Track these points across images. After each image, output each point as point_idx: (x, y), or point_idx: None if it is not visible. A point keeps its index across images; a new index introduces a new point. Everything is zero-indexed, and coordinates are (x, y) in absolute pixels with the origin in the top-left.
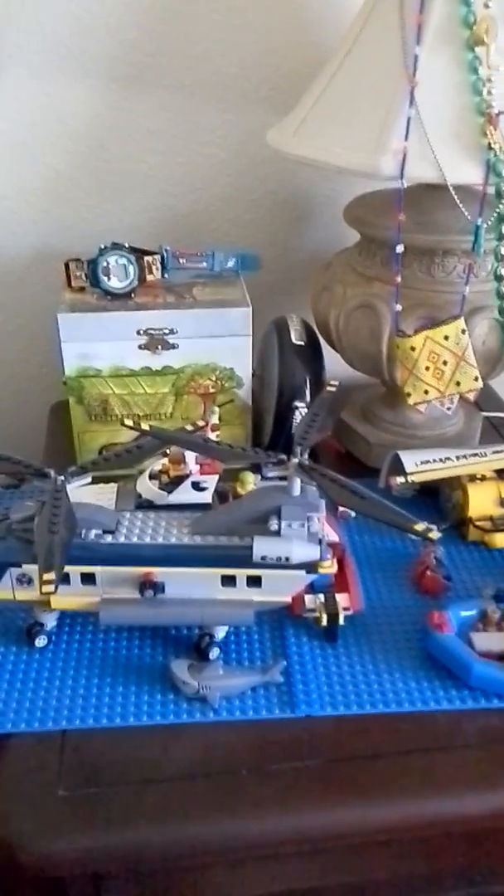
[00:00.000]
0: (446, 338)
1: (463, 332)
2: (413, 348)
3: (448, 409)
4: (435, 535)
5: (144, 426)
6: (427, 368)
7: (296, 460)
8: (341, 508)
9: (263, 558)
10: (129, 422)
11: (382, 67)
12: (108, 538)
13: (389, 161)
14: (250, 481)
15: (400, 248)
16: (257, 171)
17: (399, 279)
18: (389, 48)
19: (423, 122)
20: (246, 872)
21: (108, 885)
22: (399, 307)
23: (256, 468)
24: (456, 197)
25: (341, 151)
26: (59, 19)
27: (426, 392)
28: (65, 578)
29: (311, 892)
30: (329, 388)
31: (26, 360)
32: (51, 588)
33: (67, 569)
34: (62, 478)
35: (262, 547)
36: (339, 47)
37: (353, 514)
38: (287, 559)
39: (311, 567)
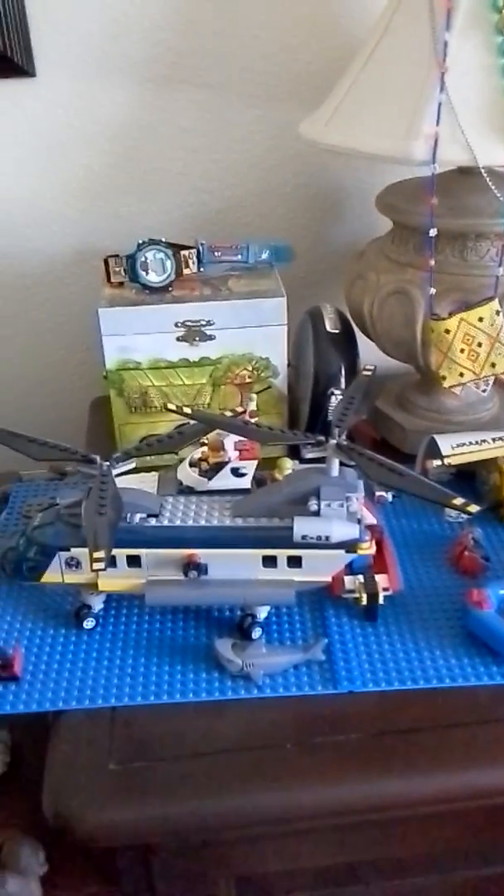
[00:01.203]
0: (480, 319)
1: (497, 313)
2: (448, 331)
3: (483, 390)
4: (474, 508)
5: (186, 410)
6: (462, 351)
7: (334, 441)
8: (378, 493)
9: (304, 538)
10: (172, 406)
11: (413, 54)
12: (153, 521)
13: (421, 146)
14: (287, 467)
15: (433, 232)
16: (288, 166)
17: (433, 263)
18: (419, 35)
19: (453, 107)
20: (290, 846)
21: (156, 856)
22: (433, 291)
23: (294, 452)
24: (488, 179)
25: (373, 138)
26: (96, 22)
27: (461, 374)
28: (111, 561)
29: (354, 865)
30: (365, 372)
31: (66, 358)
32: (101, 566)
33: (114, 551)
34: (107, 463)
35: (303, 527)
36: (369, 37)
37: (389, 498)
38: (327, 538)
39: (350, 547)
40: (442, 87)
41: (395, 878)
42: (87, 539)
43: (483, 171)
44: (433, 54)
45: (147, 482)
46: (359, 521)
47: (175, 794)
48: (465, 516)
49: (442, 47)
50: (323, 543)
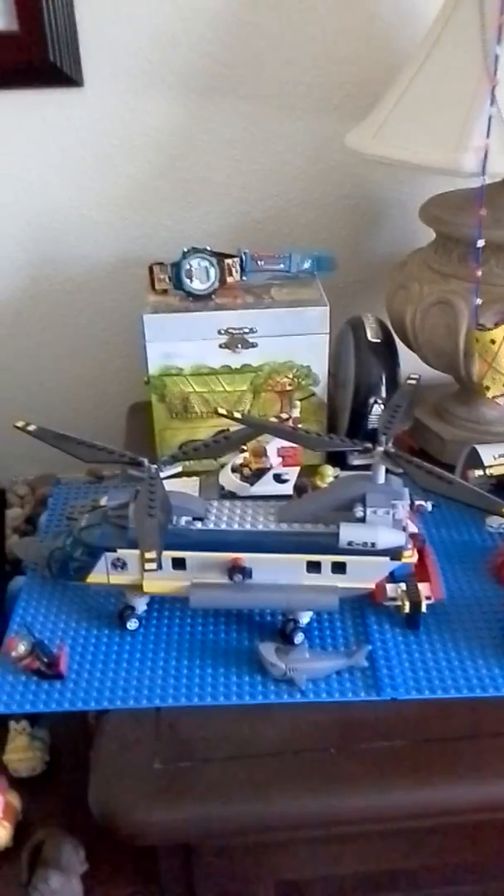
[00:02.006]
0: None
1: None
2: (493, 341)
3: None
4: None
5: (237, 415)
6: None
7: (381, 448)
8: (418, 502)
9: (350, 544)
10: (222, 410)
11: (462, 68)
12: (199, 525)
13: (471, 158)
14: (329, 474)
15: (481, 243)
16: (331, 177)
17: (480, 274)
18: (469, 49)
19: (503, 120)
20: (331, 851)
21: (196, 857)
22: (479, 301)
23: (333, 459)
24: None
25: (423, 150)
26: (144, 34)
27: None
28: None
29: (394, 873)
30: (410, 381)
31: (105, 363)
32: (153, 566)
33: None
34: (155, 466)
35: (349, 533)
36: (419, 50)
37: (429, 507)
38: (373, 545)
39: (395, 554)
40: (492, 101)
41: (436, 886)
42: (139, 540)
43: None
44: (483, 68)
45: (188, 487)
46: (404, 529)
47: (219, 795)
48: None
49: (493, 61)
50: (368, 550)
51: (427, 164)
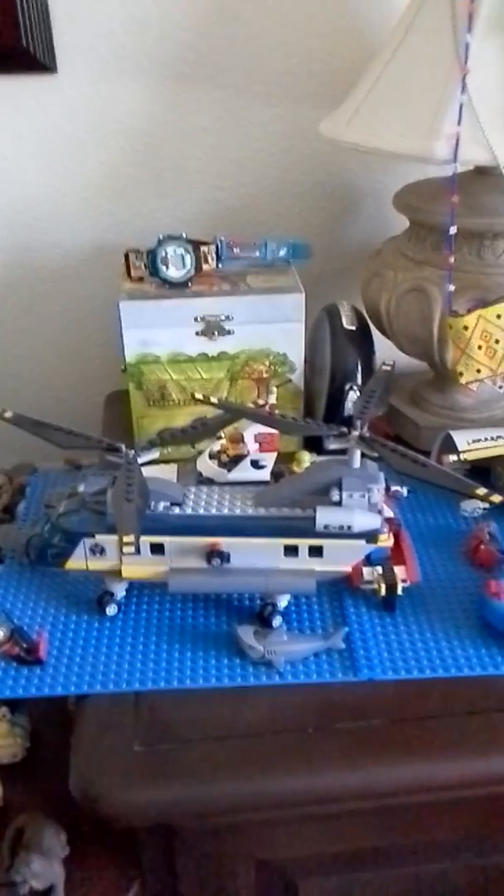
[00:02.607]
0: (499, 317)
1: None
2: (466, 327)
3: (500, 387)
4: (497, 498)
5: (214, 400)
6: (480, 347)
7: (356, 433)
8: (394, 488)
9: (326, 527)
10: (199, 395)
11: (434, 56)
12: (176, 510)
13: (443, 145)
14: (306, 460)
15: (453, 230)
16: (305, 165)
17: (452, 261)
18: (441, 37)
19: (475, 108)
20: (312, 830)
21: (177, 838)
22: (452, 288)
23: (310, 445)
24: None
25: (395, 137)
26: (117, 19)
27: (478, 371)
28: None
29: (373, 851)
30: (385, 367)
31: (81, 352)
32: (131, 549)
33: None
34: (133, 451)
35: (325, 516)
36: (391, 38)
37: (405, 492)
38: (349, 528)
39: (371, 537)
40: (463, 89)
41: (415, 863)
42: (117, 525)
43: (503, 170)
44: (455, 56)
45: (166, 474)
46: (380, 512)
47: (200, 776)
48: (479, 511)
49: (464, 49)
50: (344, 533)
51: (400, 152)
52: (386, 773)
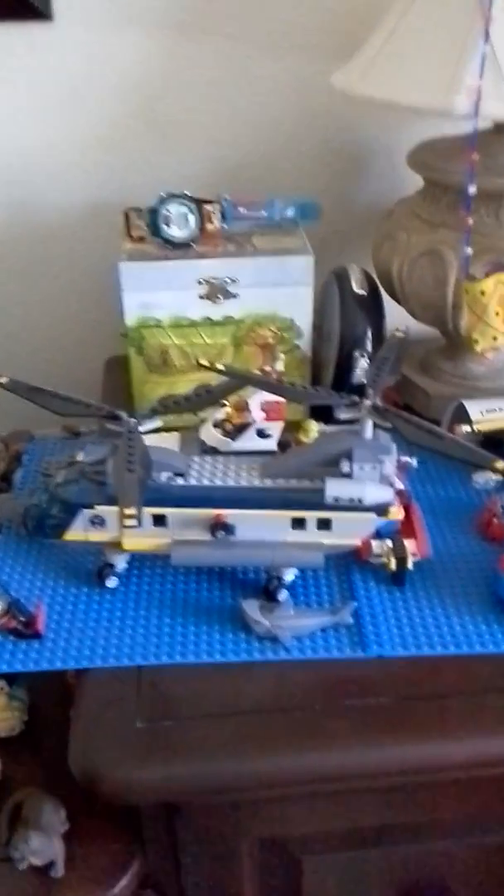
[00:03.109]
0: None
1: None
2: (483, 293)
3: None
4: None
5: (219, 366)
6: (497, 314)
7: (369, 402)
8: (403, 458)
9: (336, 500)
10: (204, 361)
11: (455, 3)
12: (180, 481)
13: (464, 99)
14: (313, 429)
15: (472, 190)
16: (315, 121)
17: (471, 222)
18: None
19: (498, 59)
20: (316, 808)
21: (179, 815)
22: (470, 251)
23: (317, 414)
24: None
25: (413, 91)
26: None
27: (494, 338)
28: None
29: (378, 829)
30: (398, 334)
31: (80, 315)
32: (133, 522)
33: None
34: (134, 420)
35: (335, 488)
36: None
37: (415, 463)
38: (360, 500)
39: (381, 510)
40: (486, 38)
41: (421, 841)
42: (118, 496)
43: None
44: (477, 3)
45: (169, 442)
46: (391, 485)
47: (202, 753)
48: (492, 483)
49: None
50: (355, 506)
51: (417, 106)
52: (395, 752)
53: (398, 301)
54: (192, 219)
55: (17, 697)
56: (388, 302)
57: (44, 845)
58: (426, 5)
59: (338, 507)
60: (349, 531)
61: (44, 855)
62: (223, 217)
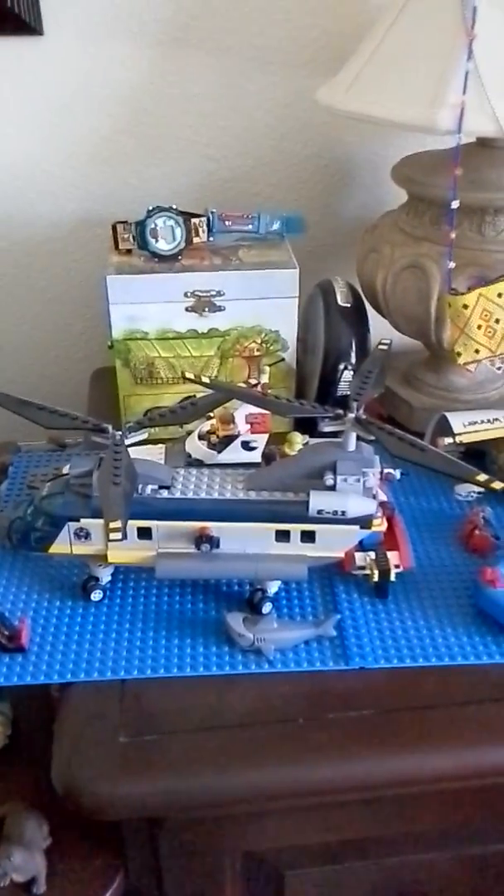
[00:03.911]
0: (500, 295)
1: None
2: (466, 306)
3: (498, 368)
4: (498, 485)
5: (205, 379)
6: (479, 327)
7: (352, 415)
8: (387, 470)
9: (319, 512)
10: (189, 374)
11: (439, 21)
12: (165, 493)
13: (447, 115)
14: (298, 441)
15: (455, 204)
16: (300, 135)
17: (453, 236)
18: (447, 1)
19: (480, 76)
20: (299, 821)
21: (162, 829)
22: (452, 265)
23: (302, 426)
24: None
25: (397, 106)
26: None
27: (477, 351)
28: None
29: (361, 841)
30: (381, 347)
31: (67, 327)
32: (118, 535)
33: None
34: (120, 432)
35: (319, 501)
36: (392, 2)
37: (398, 475)
38: (343, 513)
39: (365, 522)
40: (469, 55)
41: (403, 854)
42: (103, 509)
43: None
44: (461, 21)
45: (154, 455)
46: (374, 497)
47: (186, 767)
48: (474, 495)
49: (471, 13)
50: (338, 518)
51: (401, 121)
52: (378, 764)
53: (382, 314)
54: (178, 232)
55: (1, 712)
56: (372, 315)
57: (26, 861)
58: (410, 23)
59: (322, 519)
60: (333, 543)
61: (26, 871)
62: (209, 230)
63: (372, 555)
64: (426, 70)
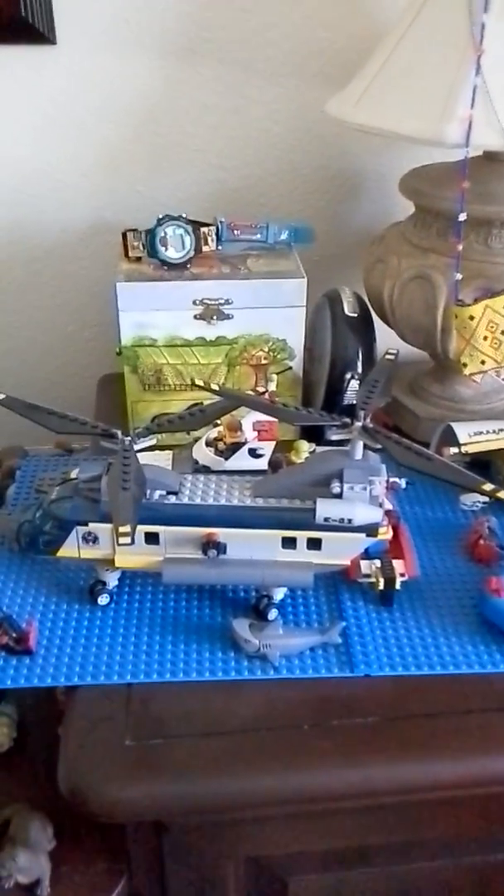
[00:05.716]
0: None
1: None
2: (472, 317)
3: None
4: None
5: (214, 386)
6: (485, 338)
7: (359, 423)
8: (392, 479)
9: (326, 520)
10: (199, 381)
11: (448, 36)
12: (172, 499)
13: (455, 128)
14: (304, 449)
15: (463, 216)
16: (308, 146)
17: (461, 248)
18: (455, 17)
19: (488, 91)
20: (302, 827)
21: (166, 833)
22: (459, 276)
23: (308, 434)
24: None
25: (406, 119)
26: None
27: (483, 362)
28: None
29: (365, 848)
30: (388, 356)
31: (75, 333)
32: (127, 540)
33: None
34: (129, 438)
35: (326, 508)
36: (403, 16)
37: (403, 484)
38: (350, 521)
39: (371, 531)
40: (478, 70)
41: (406, 861)
42: (112, 514)
43: None
44: (469, 36)
45: (161, 461)
46: (380, 505)
47: (191, 772)
48: (479, 504)
49: (479, 29)
50: (345, 526)
51: (410, 134)
52: (382, 772)
53: (389, 324)
54: (188, 241)
55: (6, 714)
56: (378, 325)
57: (31, 863)
58: (420, 36)
59: (328, 527)
60: (339, 551)
61: (31, 873)
62: (218, 239)
63: (377, 563)
64: (435, 84)
